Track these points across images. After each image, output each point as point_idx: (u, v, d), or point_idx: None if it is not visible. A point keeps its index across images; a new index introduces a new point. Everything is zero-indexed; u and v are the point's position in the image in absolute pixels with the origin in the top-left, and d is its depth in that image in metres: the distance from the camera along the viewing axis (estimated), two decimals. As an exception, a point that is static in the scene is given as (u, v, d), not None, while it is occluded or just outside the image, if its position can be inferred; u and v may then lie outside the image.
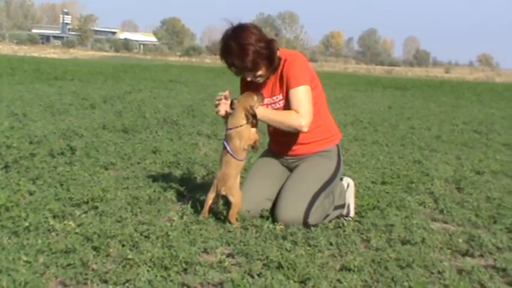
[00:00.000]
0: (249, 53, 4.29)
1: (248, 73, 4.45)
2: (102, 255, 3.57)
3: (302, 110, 4.39)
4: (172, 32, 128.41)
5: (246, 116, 4.37)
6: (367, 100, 17.28)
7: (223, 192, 4.35)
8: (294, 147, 4.67)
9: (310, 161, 4.65)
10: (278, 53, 4.46)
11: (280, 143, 4.72)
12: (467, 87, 27.25)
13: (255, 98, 4.39)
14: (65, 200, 4.67)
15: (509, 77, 60.29)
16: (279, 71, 4.50)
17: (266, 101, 4.54)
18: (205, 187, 5.32)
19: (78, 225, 4.05)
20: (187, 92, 16.36)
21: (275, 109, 4.54)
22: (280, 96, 4.52)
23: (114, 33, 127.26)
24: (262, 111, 4.41)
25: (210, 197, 4.43)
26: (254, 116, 4.36)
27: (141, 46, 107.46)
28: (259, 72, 4.43)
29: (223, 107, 4.58)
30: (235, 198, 4.32)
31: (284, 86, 4.49)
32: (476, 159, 7.68)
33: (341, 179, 4.89)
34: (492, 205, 5.36)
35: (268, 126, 4.77)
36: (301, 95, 4.41)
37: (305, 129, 4.41)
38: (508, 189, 6.02)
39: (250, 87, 4.59)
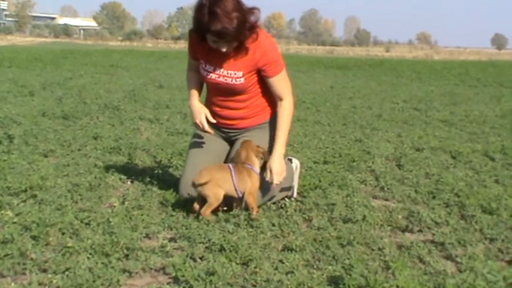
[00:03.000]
0: (234, 21, 4.05)
1: (226, 43, 4.19)
2: (41, 244, 3.52)
3: (286, 91, 4.46)
4: (112, 17, 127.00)
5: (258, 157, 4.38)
6: (309, 80, 17.36)
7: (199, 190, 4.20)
8: (236, 122, 4.59)
9: (250, 135, 4.58)
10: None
11: (221, 116, 4.59)
12: (407, 66, 27.57)
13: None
14: (3, 190, 4.59)
15: (447, 54, 61.32)
16: (251, 50, 4.30)
17: (219, 71, 4.39)
18: (147, 172, 5.29)
19: (17, 215, 3.99)
20: (129, 77, 16.19)
21: (228, 83, 4.39)
22: (240, 74, 4.36)
23: (53, 18, 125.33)
24: (283, 144, 4.46)
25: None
26: (264, 154, 4.40)
27: (82, 31, 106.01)
28: (236, 43, 4.23)
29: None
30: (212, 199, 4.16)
31: (252, 68, 4.35)
32: (416, 136, 7.79)
33: (290, 160, 4.87)
34: (431, 181, 5.45)
35: (209, 96, 4.64)
36: (283, 79, 4.46)
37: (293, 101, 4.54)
38: (446, 165, 6.13)
39: (204, 49, 4.40)
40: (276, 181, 4.32)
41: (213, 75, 4.43)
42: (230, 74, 4.39)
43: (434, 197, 4.90)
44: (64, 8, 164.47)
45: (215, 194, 4.12)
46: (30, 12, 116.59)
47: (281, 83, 4.44)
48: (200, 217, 4.10)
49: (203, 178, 4.10)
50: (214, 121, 4.52)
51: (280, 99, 4.45)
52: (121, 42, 73.23)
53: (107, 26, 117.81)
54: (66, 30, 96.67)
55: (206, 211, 4.10)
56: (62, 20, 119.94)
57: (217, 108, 4.59)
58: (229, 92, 4.46)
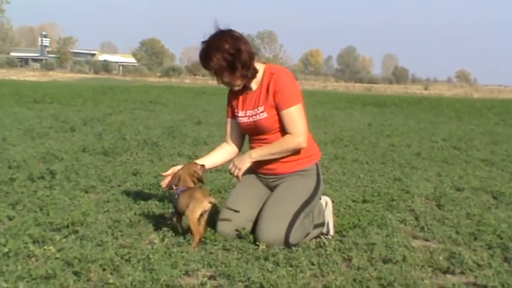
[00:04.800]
0: (212, 58, 4.46)
1: (215, 76, 4.64)
2: (83, 280, 3.55)
3: (297, 129, 4.52)
4: (151, 53, 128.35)
5: (193, 181, 4.64)
6: (347, 118, 17.33)
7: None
8: (274, 166, 4.68)
9: (289, 181, 4.67)
10: (252, 65, 4.55)
11: (260, 161, 4.70)
12: (446, 104, 27.42)
13: (198, 166, 4.71)
14: (45, 225, 4.64)
15: (486, 92, 60.84)
16: (265, 84, 4.58)
17: (248, 112, 4.65)
18: (186, 209, 5.31)
19: (59, 250, 4.03)
20: (168, 113, 16.34)
21: (255, 121, 4.63)
22: (262, 108, 4.57)
23: (93, 55, 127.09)
24: (258, 152, 4.64)
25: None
26: (200, 179, 4.66)
27: (121, 67, 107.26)
28: (225, 78, 4.57)
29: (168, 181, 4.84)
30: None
31: (269, 100, 4.55)
32: (456, 176, 7.72)
33: (319, 198, 4.89)
34: (472, 222, 5.38)
35: (250, 143, 4.82)
36: (295, 114, 4.52)
37: (304, 145, 4.57)
38: (488, 206, 6.05)
39: (236, 98, 4.78)
40: (231, 170, 4.67)
41: (244, 119, 4.71)
42: (255, 111, 4.63)
43: (476, 238, 4.84)
44: (104, 44, 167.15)
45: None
46: (71, 49, 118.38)
47: (292, 118, 4.53)
48: (239, 255, 4.12)
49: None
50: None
51: (289, 133, 4.58)
52: (159, 78, 73.94)
53: (145, 62, 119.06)
54: (106, 67, 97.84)
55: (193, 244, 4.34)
56: (101, 57, 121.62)
57: None
58: (260, 130, 4.67)
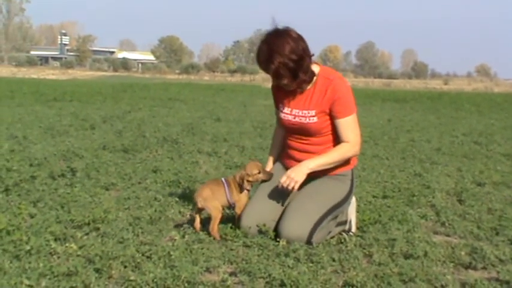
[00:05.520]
0: (274, 62, 4.29)
1: (272, 79, 4.49)
2: (104, 277, 3.57)
3: (353, 138, 4.46)
4: (170, 50, 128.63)
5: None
6: (366, 114, 17.28)
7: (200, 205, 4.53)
8: None
9: (322, 182, 4.61)
10: (310, 69, 4.44)
11: (297, 159, 4.63)
12: (466, 99, 27.28)
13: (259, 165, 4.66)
14: (66, 222, 4.67)
15: (507, 87, 60.40)
16: (320, 87, 4.46)
17: (294, 112, 4.55)
18: (206, 206, 5.31)
19: (80, 248, 4.05)
20: (187, 110, 16.37)
21: (302, 123, 4.52)
22: (313, 113, 4.47)
23: (112, 52, 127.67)
24: (315, 162, 4.47)
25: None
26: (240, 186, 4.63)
27: (140, 65, 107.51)
28: (284, 81, 4.41)
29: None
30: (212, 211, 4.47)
31: (323, 106, 4.44)
32: (477, 171, 7.67)
33: None
34: (494, 217, 5.35)
35: (288, 139, 4.74)
36: (351, 124, 4.46)
37: (359, 153, 4.61)
38: (510, 201, 6.02)
39: (282, 93, 4.64)
40: (282, 182, 4.44)
41: (289, 117, 4.58)
42: (304, 114, 4.51)
43: (497, 233, 4.81)
44: (123, 42, 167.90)
45: (214, 207, 4.46)
46: (90, 47, 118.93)
47: (348, 127, 4.45)
48: (260, 251, 4.12)
49: (203, 192, 4.51)
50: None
51: (345, 141, 4.49)
52: (178, 76, 74.16)
53: (164, 60, 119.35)
54: (125, 64, 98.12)
55: (213, 227, 4.42)
56: (120, 54, 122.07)
57: (295, 152, 4.69)
58: (305, 132, 4.56)
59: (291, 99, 4.57)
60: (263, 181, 4.64)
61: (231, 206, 4.64)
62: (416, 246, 4.31)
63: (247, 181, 4.58)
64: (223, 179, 4.68)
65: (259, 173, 4.58)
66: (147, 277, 3.52)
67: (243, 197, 4.62)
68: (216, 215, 4.44)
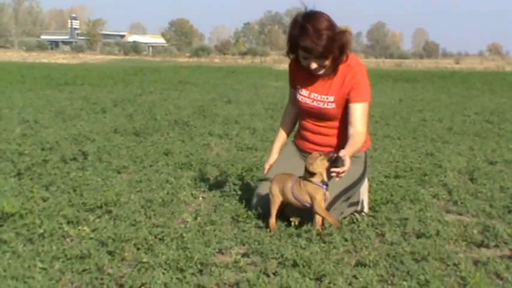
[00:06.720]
0: (323, 37, 4.22)
1: (316, 60, 4.34)
2: (117, 260, 3.59)
3: (361, 125, 4.36)
4: (180, 33, 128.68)
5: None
6: (378, 94, 17.18)
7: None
8: (324, 148, 4.53)
9: None
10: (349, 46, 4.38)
11: (312, 141, 4.66)
12: (477, 77, 27.12)
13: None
14: (79, 206, 4.69)
15: (520, 65, 59.91)
16: (341, 73, 4.44)
17: (313, 95, 4.53)
18: (218, 187, 5.33)
19: (93, 230, 4.07)
20: (198, 93, 16.36)
21: (320, 108, 4.50)
22: (332, 99, 4.46)
23: (122, 36, 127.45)
24: (349, 152, 4.20)
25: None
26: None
27: (150, 48, 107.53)
28: (326, 62, 4.34)
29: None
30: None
31: (342, 93, 4.42)
32: (489, 150, 7.65)
33: None
34: (506, 195, 5.34)
35: (302, 120, 4.73)
36: (363, 111, 4.40)
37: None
38: (522, 179, 6.00)
39: (301, 74, 4.57)
40: (340, 171, 4.03)
41: (307, 100, 4.57)
42: (323, 99, 4.50)
43: (510, 211, 4.80)
44: (133, 25, 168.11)
45: (272, 191, 4.31)
46: (100, 31, 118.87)
47: (359, 112, 4.38)
48: (272, 232, 4.13)
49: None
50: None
51: (353, 128, 4.35)
52: (189, 58, 74.05)
53: (175, 43, 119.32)
54: (135, 48, 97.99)
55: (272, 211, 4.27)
56: (131, 38, 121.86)
57: (308, 133, 4.69)
58: (322, 116, 4.56)
59: (311, 82, 4.55)
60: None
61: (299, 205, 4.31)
62: (428, 225, 4.32)
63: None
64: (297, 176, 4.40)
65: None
66: (160, 259, 3.54)
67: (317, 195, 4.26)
68: (272, 200, 4.32)
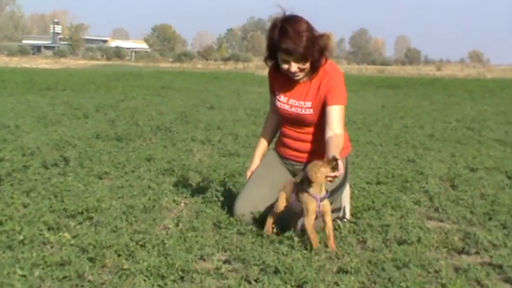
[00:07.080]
0: (303, 39, 4.23)
1: (296, 62, 4.33)
2: (98, 266, 3.56)
3: (338, 127, 4.31)
4: (163, 39, 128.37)
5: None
6: (360, 100, 17.26)
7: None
8: (305, 155, 4.59)
9: None
10: (327, 49, 4.41)
11: (292, 147, 4.66)
12: (459, 84, 27.29)
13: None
14: (60, 212, 4.66)
15: (500, 72, 60.24)
16: (317, 79, 4.44)
17: (292, 101, 4.53)
18: (200, 194, 5.31)
19: (73, 237, 4.05)
20: (180, 99, 16.34)
21: (298, 113, 4.50)
22: (309, 104, 4.46)
23: (105, 41, 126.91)
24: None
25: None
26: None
27: (133, 53, 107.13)
28: (306, 65, 4.34)
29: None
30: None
31: (318, 98, 4.42)
32: (470, 156, 7.69)
33: None
34: (487, 202, 5.37)
35: (283, 126, 4.72)
36: (340, 113, 4.37)
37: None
38: (502, 186, 6.04)
39: (279, 80, 4.59)
40: (338, 175, 3.99)
41: (286, 106, 4.57)
42: (301, 104, 4.50)
43: (490, 218, 4.83)
44: (116, 30, 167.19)
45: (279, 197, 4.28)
46: (83, 36, 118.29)
47: (337, 114, 4.35)
48: (254, 238, 4.13)
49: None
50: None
51: (331, 130, 4.29)
52: (172, 64, 73.93)
53: (157, 48, 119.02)
54: (118, 53, 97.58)
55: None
56: (113, 43, 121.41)
57: (289, 140, 4.67)
58: (301, 122, 4.55)
59: (289, 88, 4.56)
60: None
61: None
62: (409, 232, 4.33)
63: None
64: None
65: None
66: (141, 266, 3.52)
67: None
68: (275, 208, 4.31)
